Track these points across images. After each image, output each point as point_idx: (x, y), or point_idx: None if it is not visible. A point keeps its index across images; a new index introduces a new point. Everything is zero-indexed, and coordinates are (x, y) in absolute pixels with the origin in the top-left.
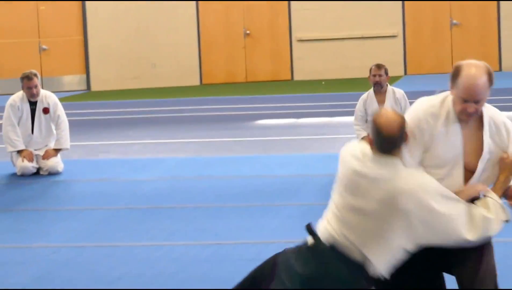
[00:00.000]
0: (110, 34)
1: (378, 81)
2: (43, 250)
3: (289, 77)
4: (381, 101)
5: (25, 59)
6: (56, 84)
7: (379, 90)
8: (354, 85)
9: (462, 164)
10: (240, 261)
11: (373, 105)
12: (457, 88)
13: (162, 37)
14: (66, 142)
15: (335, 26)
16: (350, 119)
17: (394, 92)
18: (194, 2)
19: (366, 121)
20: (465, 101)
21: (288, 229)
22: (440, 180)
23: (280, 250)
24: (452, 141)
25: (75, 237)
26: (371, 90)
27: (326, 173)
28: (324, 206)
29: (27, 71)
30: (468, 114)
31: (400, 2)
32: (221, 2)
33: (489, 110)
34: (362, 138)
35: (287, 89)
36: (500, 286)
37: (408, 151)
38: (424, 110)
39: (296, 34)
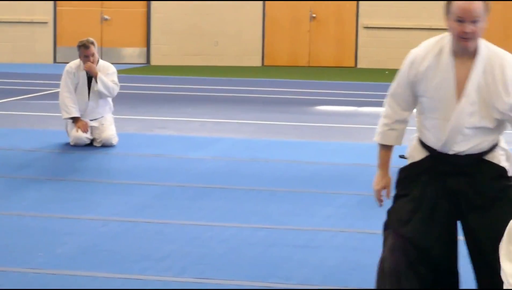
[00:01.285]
0: (173, 8)
1: None
2: (92, 222)
3: (352, 64)
4: None
5: (86, 28)
6: (116, 56)
7: None
8: None
9: (454, 98)
10: (290, 247)
11: None
12: (452, 13)
13: (226, 15)
14: (104, 85)
15: (403, 15)
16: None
17: None
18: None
19: None
20: (461, 21)
21: (341, 218)
22: (436, 126)
23: (332, 238)
24: (443, 75)
25: (125, 212)
26: None
27: None
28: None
29: (84, 39)
30: (466, 36)
31: None
32: None
33: (490, 46)
34: None
35: (350, 76)
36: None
37: (397, 103)
38: (411, 56)
39: (362, 21)
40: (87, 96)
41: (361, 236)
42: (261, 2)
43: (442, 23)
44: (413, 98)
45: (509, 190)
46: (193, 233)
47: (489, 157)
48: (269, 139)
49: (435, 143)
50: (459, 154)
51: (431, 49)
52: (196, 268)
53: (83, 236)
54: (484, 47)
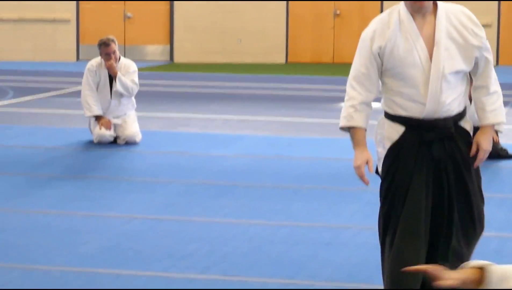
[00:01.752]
0: (196, 6)
1: None
2: (115, 221)
3: None
4: (470, 92)
5: (109, 26)
6: (139, 53)
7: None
8: None
9: (429, 65)
10: (314, 245)
11: None
12: None
13: (249, 12)
14: (123, 85)
15: None
16: None
17: None
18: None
19: None
20: None
21: (366, 215)
22: (412, 94)
23: (356, 235)
24: (410, 37)
25: (148, 209)
26: None
27: None
28: None
29: (104, 37)
30: None
31: None
32: None
33: (446, 3)
34: None
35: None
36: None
37: (360, 84)
38: (367, 33)
39: None
40: (109, 94)
41: None
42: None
43: None
44: (377, 77)
45: (472, 159)
46: (216, 231)
47: (462, 124)
48: (293, 136)
49: (417, 111)
50: (443, 116)
51: (387, 21)
52: (219, 266)
53: (106, 234)
54: (442, 4)
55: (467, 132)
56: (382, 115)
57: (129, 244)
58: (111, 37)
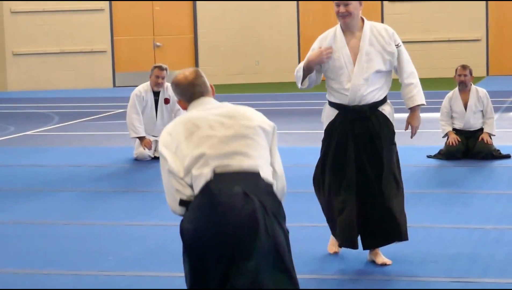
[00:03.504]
0: (218, 33)
1: (463, 81)
2: (154, 228)
3: None
4: (465, 99)
5: (140, 55)
6: (168, 78)
7: (464, 89)
8: (440, 84)
9: (352, 68)
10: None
11: (458, 102)
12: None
13: (265, 37)
14: None
15: (424, 30)
16: (435, 115)
17: (478, 91)
18: (295, 2)
19: (451, 117)
20: (337, 5)
21: None
22: (342, 88)
23: None
24: (339, 46)
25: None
26: (456, 89)
27: (413, 163)
28: (410, 193)
29: (161, 63)
30: (342, 14)
31: (484, 8)
32: (320, 2)
33: (372, 22)
34: (447, 133)
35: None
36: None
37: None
38: (318, 39)
39: None
40: (155, 115)
41: None
42: (296, 22)
43: (459, 36)
44: (317, 71)
45: (392, 134)
46: None
47: (380, 108)
48: (309, 146)
49: (344, 100)
50: (362, 103)
51: (328, 33)
52: None
53: (147, 240)
54: (368, 22)
55: (384, 115)
56: (327, 102)
57: (168, 248)
58: (165, 65)
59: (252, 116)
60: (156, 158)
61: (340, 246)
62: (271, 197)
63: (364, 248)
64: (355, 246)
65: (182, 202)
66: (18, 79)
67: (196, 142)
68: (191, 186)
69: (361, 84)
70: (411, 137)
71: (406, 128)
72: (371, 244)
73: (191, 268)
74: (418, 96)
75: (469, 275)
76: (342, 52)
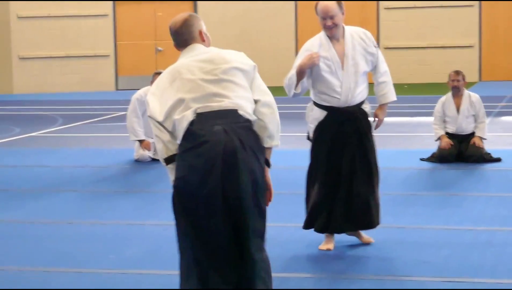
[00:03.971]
0: (218, 38)
1: (456, 86)
2: (155, 228)
3: None
4: (458, 104)
5: (142, 59)
6: None
7: (457, 94)
8: (433, 89)
9: (341, 72)
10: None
11: (451, 107)
12: (318, 13)
13: (263, 42)
14: None
15: (419, 36)
16: (428, 119)
17: (470, 96)
18: (293, 7)
19: (444, 121)
20: (324, 19)
21: None
22: (331, 91)
23: (364, 234)
24: (328, 54)
25: None
26: (449, 94)
27: (406, 166)
28: (404, 195)
29: (161, 70)
30: (329, 27)
31: (477, 17)
32: None
33: (350, 27)
34: (440, 137)
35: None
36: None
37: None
38: (304, 47)
39: (383, 42)
40: None
41: (390, 231)
42: (294, 28)
43: (454, 42)
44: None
45: (371, 129)
46: None
47: (363, 107)
48: (307, 149)
49: (334, 102)
50: (351, 104)
51: (313, 41)
52: None
53: (147, 240)
54: (347, 28)
55: (366, 113)
56: (311, 102)
57: (168, 248)
58: None
59: (230, 58)
60: (156, 160)
61: (315, 229)
62: (250, 132)
63: (344, 233)
64: (322, 231)
65: (169, 160)
66: (24, 82)
67: (176, 87)
68: (171, 133)
69: (352, 87)
70: (375, 129)
71: (374, 120)
72: (352, 229)
73: (188, 222)
74: (390, 93)
75: (460, 275)
76: (331, 58)
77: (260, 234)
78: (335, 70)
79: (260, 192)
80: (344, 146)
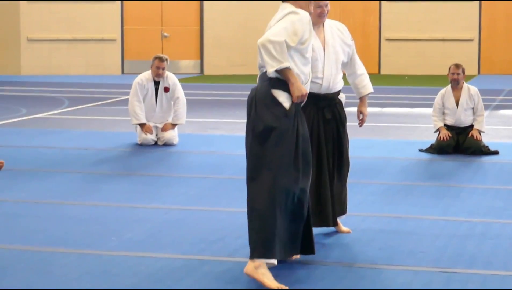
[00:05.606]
0: (222, 27)
1: (456, 79)
2: (156, 211)
3: (376, 71)
4: (457, 96)
5: (149, 44)
6: (174, 67)
7: (456, 87)
8: (433, 81)
9: (323, 60)
10: (325, 230)
11: (450, 99)
12: (313, 2)
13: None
14: (182, 118)
15: (419, 29)
16: (428, 110)
17: (469, 89)
18: None
19: (443, 113)
20: (320, 6)
21: (370, 204)
22: (313, 78)
23: (361, 222)
24: (313, 40)
25: (184, 201)
26: (449, 86)
27: (405, 157)
28: (403, 185)
29: (161, 54)
30: (324, 14)
31: (477, 11)
32: None
33: (328, 20)
34: (438, 128)
35: (374, 81)
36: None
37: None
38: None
39: (385, 34)
40: (155, 104)
41: (387, 220)
42: None
43: (453, 35)
44: None
45: (346, 118)
46: (243, 219)
47: (339, 97)
48: None
49: (316, 88)
50: (332, 91)
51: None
52: (246, 249)
53: (148, 223)
54: (326, 19)
55: (341, 102)
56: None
57: (168, 231)
58: (166, 56)
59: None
60: (157, 144)
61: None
62: (263, 86)
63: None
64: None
65: None
66: (31, 64)
67: None
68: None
69: (333, 74)
70: (360, 126)
71: (359, 117)
72: (334, 220)
73: None
74: (369, 84)
75: (456, 266)
76: (315, 44)
77: None
78: (318, 57)
79: (256, 139)
80: (324, 132)
